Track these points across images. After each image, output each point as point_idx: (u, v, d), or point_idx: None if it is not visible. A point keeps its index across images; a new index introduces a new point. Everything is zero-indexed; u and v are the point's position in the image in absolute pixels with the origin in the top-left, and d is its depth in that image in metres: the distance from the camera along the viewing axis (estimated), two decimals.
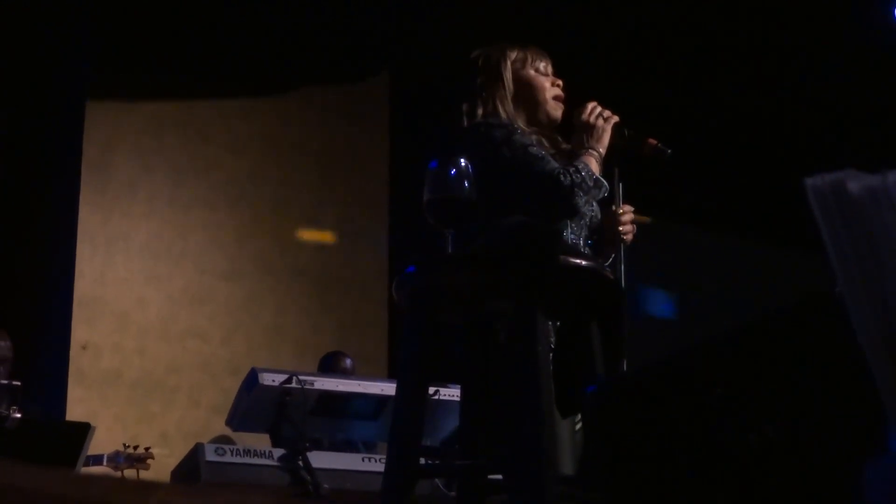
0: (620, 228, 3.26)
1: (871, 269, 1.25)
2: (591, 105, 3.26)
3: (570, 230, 3.16)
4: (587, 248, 3.23)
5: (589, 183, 3.06)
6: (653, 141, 3.27)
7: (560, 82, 3.34)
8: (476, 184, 2.60)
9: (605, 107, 3.27)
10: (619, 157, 3.28)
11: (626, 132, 3.26)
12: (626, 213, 3.29)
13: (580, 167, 3.08)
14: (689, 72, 7.29)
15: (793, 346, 1.59)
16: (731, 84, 7.41)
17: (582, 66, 3.56)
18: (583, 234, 3.21)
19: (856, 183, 1.28)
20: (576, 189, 3.03)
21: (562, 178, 3.02)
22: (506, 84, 3.26)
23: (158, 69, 6.72)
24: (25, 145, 6.75)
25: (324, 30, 6.85)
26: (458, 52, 3.45)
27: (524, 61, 3.31)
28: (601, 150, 3.18)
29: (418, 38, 7.00)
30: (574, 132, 3.25)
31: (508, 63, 3.29)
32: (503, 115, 3.21)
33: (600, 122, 3.22)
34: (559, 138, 3.31)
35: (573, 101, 3.34)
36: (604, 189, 3.14)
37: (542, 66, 3.33)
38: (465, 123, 3.21)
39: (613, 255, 3.29)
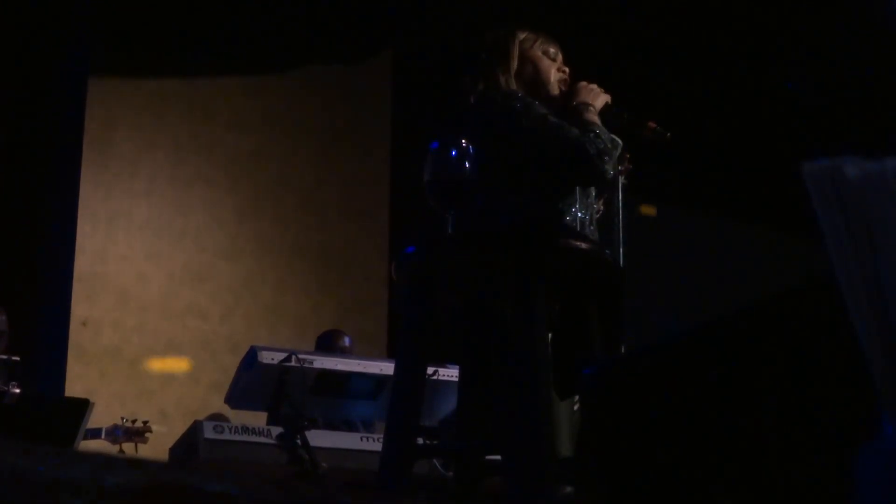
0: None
1: (867, 255, 1.25)
2: (582, 83, 3.27)
3: (577, 205, 3.14)
4: (594, 225, 3.21)
5: (610, 146, 3.07)
6: (652, 124, 3.27)
7: (566, 69, 3.33)
8: (491, 157, 2.59)
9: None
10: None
11: (626, 116, 3.26)
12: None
13: (598, 131, 3.07)
14: (687, 55, 7.27)
15: (789, 331, 1.60)
16: (730, 67, 7.39)
17: (583, 50, 3.54)
18: (590, 211, 3.20)
19: (854, 169, 1.28)
20: (603, 156, 3.04)
21: (588, 146, 3.02)
22: (511, 60, 3.26)
23: (160, 46, 6.72)
24: (27, 122, 6.75)
25: (327, 9, 6.84)
26: (460, 33, 3.44)
27: (533, 42, 3.30)
28: (596, 104, 3.19)
29: (421, 18, 6.99)
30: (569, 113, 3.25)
31: (517, 41, 3.29)
32: (504, 88, 3.20)
33: (593, 86, 3.24)
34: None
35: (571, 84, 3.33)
36: (620, 146, 3.15)
37: (551, 51, 3.32)
38: (471, 98, 3.20)
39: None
